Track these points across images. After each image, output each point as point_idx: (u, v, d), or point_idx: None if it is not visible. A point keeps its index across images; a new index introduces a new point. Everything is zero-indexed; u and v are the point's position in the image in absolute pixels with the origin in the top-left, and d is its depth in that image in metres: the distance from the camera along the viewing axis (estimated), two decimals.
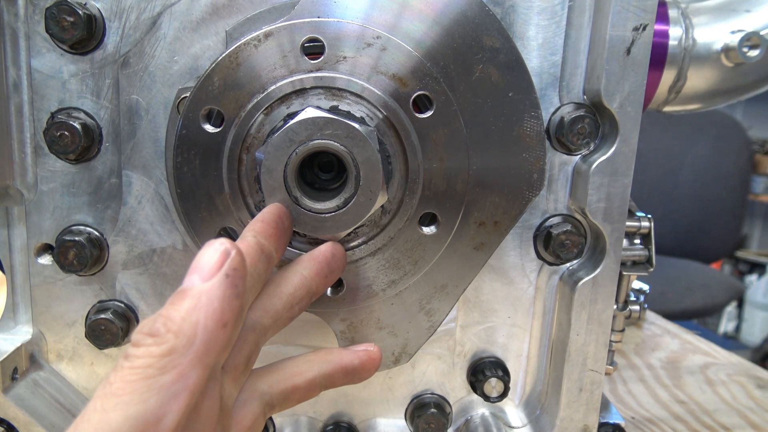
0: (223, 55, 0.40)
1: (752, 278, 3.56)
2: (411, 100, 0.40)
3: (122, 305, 0.48)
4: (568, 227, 0.46)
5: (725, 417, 0.65)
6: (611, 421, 0.51)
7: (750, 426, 0.64)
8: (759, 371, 0.77)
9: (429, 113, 0.41)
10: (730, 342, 3.30)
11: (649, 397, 0.68)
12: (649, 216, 0.54)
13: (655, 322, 0.90)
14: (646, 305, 0.93)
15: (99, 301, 0.48)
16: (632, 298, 0.86)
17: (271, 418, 0.51)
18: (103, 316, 0.47)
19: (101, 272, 0.48)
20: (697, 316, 1.75)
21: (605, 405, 0.53)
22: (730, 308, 3.43)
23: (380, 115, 0.40)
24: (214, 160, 0.41)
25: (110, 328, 0.47)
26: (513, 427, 0.51)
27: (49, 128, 0.44)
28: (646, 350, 0.81)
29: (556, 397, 0.48)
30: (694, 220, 2.10)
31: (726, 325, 3.45)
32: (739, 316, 3.43)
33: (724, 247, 2.15)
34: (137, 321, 0.49)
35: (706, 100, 0.58)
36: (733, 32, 0.51)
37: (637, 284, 0.94)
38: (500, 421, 0.51)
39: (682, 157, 2.16)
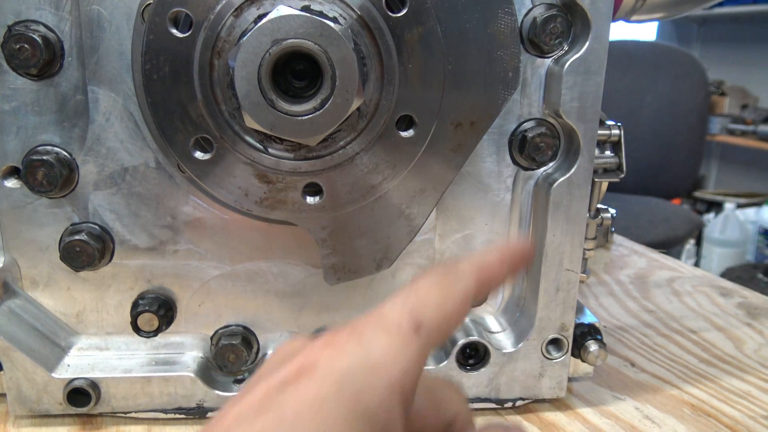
0: None
1: (709, 216, 3.67)
2: None
3: (97, 227, 0.47)
4: (543, 130, 0.47)
5: (692, 322, 0.68)
6: (586, 322, 0.53)
7: (715, 328, 0.67)
8: (722, 282, 0.80)
9: (403, 12, 0.40)
10: None
11: (619, 308, 0.71)
12: (619, 124, 0.55)
13: (622, 244, 0.93)
14: (613, 228, 0.95)
15: (72, 224, 0.47)
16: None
17: (255, 336, 0.51)
18: (77, 237, 0.46)
19: (72, 194, 0.47)
20: (660, 248, 1.81)
21: (580, 308, 0.55)
22: (689, 246, 3.55)
23: (353, 15, 0.40)
24: (184, 67, 0.40)
25: (86, 249, 0.46)
26: (493, 332, 0.52)
27: (6, 41, 0.42)
28: (615, 269, 0.83)
29: (533, 299, 0.50)
30: (654, 158, 2.14)
31: (686, 262, 3.57)
32: (698, 253, 3.56)
33: (684, 184, 2.21)
34: (113, 242, 0.48)
35: (671, 8, 0.59)
36: None
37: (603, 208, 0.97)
38: (480, 327, 0.52)
39: (642, 96, 2.20)
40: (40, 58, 0.42)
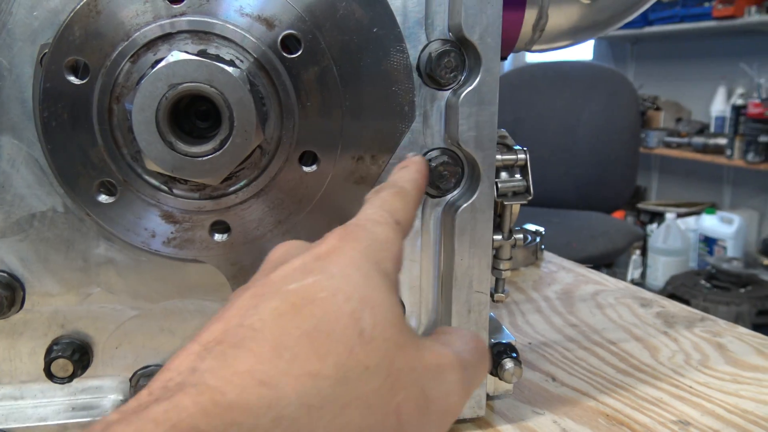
0: (81, 3, 0.39)
1: (653, 227, 3.80)
2: (279, 41, 0.41)
3: (5, 275, 0.47)
4: (445, 158, 0.49)
5: (612, 333, 0.71)
6: (503, 341, 0.55)
7: (633, 338, 0.69)
8: (643, 293, 0.83)
9: (298, 53, 0.42)
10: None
11: (545, 325, 0.73)
12: (525, 149, 0.58)
13: (552, 260, 0.96)
14: (542, 246, 0.99)
15: None
16: (529, 239, 0.91)
17: None
18: None
19: None
20: (601, 261, 1.87)
21: (498, 327, 0.57)
22: (635, 257, 3.66)
23: (250, 58, 0.41)
24: (83, 113, 0.41)
25: None
26: None
27: None
28: (543, 285, 0.86)
29: (448, 321, 0.51)
30: (592, 174, 2.22)
31: (632, 273, 3.67)
32: (644, 263, 3.67)
33: (622, 197, 2.28)
34: (23, 289, 0.47)
35: (571, 37, 0.62)
36: None
37: (533, 227, 1.00)
38: None
39: (578, 114, 2.28)
40: None
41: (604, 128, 2.25)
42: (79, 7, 0.39)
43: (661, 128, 3.91)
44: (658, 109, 3.98)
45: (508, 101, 2.35)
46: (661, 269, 3.48)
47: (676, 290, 2.98)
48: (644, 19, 3.78)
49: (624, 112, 2.26)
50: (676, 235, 3.48)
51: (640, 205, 4.02)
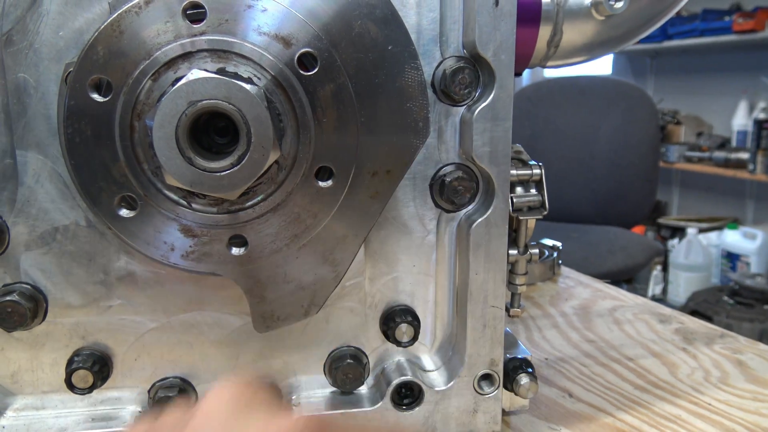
0: (105, 23, 0.40)
1: (674, 242, 3.75)
2: (296, 59, 0.42)
3: (29, 287, 0.48)
4: (460, 174, 0.49)
5: (630, 349, 0.70)
6: (519, 356, 0.55)
7: (652, 354, 0.69)
8: (662, 308, 0.83)
9: (314, 70, 0.42)
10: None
11: (561, 340, 0.73)
12: (540, 164, 0.58)
13: (569, 275, 0.95)
14: (560, 261, 0.98)
15: (4, 285, 0.48)
16: (546, 254, 0.91)
17: (193, 387, 0.52)
18: (9, 298, 0.46)
19: (3, 255, 0.47)
20: (620, 277, 1.85)
21: (514, 343, 0.57)
22: (656, 272, 3.61)
23: (267, 75, 0.42)
24: (106, 130, 0.42)
25: (17, 309, 0.47)
26: (428, 371, 0.54)
27: None
28: (560, 300, 0.85)
29: (463, 336, 0.51)
30: (611, 188, 2.20)
31: (654, 288, 3.63)
32: (665, 279, 3.62)
33: (641, 212, 2.26)
34: (45, 301, 0.48)
35: (586, 53, 0.62)
36: None
37: (550, 242, 1.00)
38: (416, 366, 0.53)
39: (596, 129, 2.27)
40: None
41: (623, 143, 2.24)
42: (102, 27, 0.40)
43: (682, 143, 3.87)
44: (678, 123, 3.95)
45: (526, 116, 2.35)
46: (682, 285, 3.43)
47: (698, 306, 2.93)
48: (664, 34, 3.76)
49: (643, 127, 2.25)
50: (697, 251, 3.44)
51: (661, 220, 3.97)
